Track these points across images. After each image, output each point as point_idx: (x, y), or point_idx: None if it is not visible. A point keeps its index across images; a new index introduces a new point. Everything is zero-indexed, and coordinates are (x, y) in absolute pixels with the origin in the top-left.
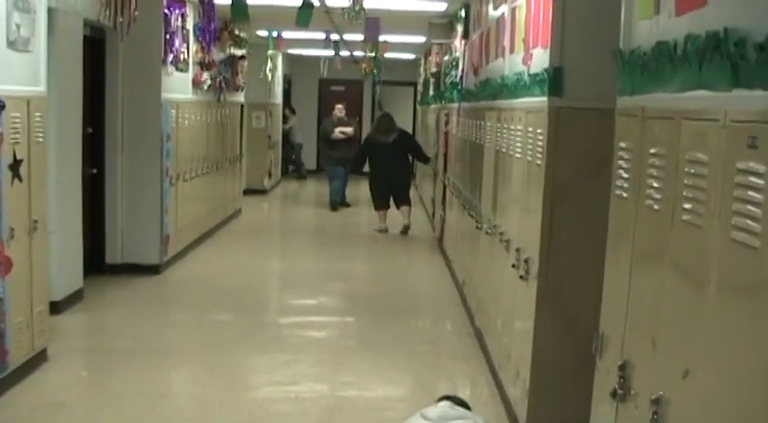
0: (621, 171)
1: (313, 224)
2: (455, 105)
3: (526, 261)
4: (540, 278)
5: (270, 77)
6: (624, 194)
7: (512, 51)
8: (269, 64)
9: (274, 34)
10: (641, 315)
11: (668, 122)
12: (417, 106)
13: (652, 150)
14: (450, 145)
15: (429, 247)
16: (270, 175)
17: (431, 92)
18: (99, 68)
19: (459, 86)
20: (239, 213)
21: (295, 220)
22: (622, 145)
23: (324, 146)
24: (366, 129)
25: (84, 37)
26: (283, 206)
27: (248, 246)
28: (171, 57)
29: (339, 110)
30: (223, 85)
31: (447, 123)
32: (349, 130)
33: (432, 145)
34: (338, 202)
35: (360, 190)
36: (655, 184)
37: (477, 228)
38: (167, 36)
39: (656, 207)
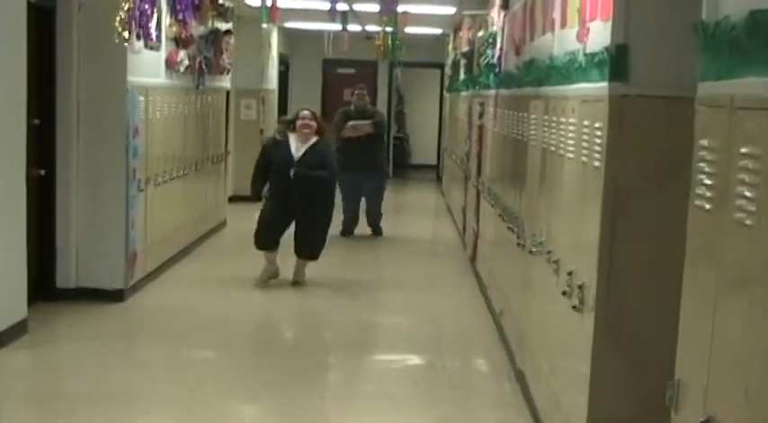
0: (703, 176)
1: None
2: (491, 93)
3: (580, 287)
4: (599, 309)
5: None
6: (706, 205)
7: (563, 25)
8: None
9: (268, 3)
10: (730, 358)
11: (765, 115)
12: (444, 93)
13: (743, 150)
14: (485, 142)
15: (458, 269)
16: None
17: (461, 76)
18: (47, 45)
19: (497, 69)
20: (224, 225)
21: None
22: (704, 143)
23: (336, 145)
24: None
25: (29, 4)
26: None
27: (235, 266)
28: (138, 31)
29: (359, 96)
30: (204, 66)
31: (481, 115)
32: (364, 124)
33: (462, 142)
34: (352, 226)
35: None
36: (747, 194)
37: (518, 245)
38: (134, 4)
39: (748, 222)
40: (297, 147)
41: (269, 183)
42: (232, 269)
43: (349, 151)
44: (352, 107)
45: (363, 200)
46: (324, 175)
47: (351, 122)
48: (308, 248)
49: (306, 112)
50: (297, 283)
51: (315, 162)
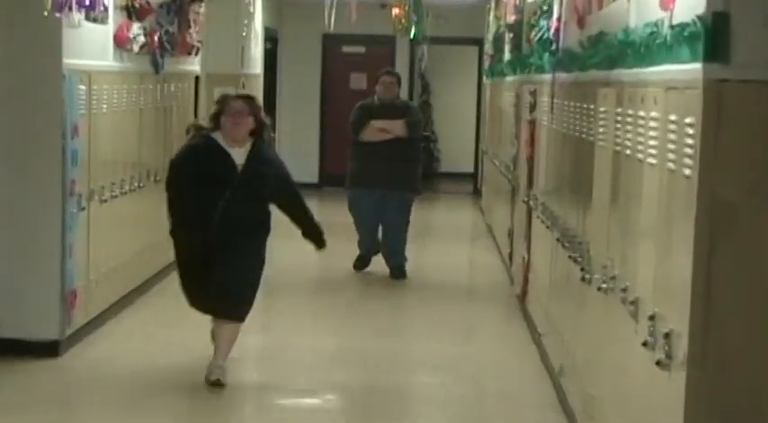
0: None
1: (315, 273)
2: (546, 77)
3: (667, 337)
4: (693, 365)
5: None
6: None
7: None
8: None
9: None
10: None
11: None
12: (484, 79)
13: None
14: (539, 143)
15: (503, 312)
16: None
17: (506, 55)
18: None
19: (554, 46)
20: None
21: (284, 265)
22: None
23: (352, 150)
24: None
25: None
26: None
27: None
28: None
29: (387, 84)
30: (165, 45)
31: (533, 107)
32: (395, 125)
33: (507, 143)
34: (369, 255)
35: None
36: None
37: (583, 280)
38: None
39: None
40: (235, 153)
41: (193, 208)
42: (202, 315)
43: (369, 161)
44: (375, 99)
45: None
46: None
47: (375, 122)
48: (235, 300)
49: (239, 103)
50: (216, 383)
51: (265, 176)
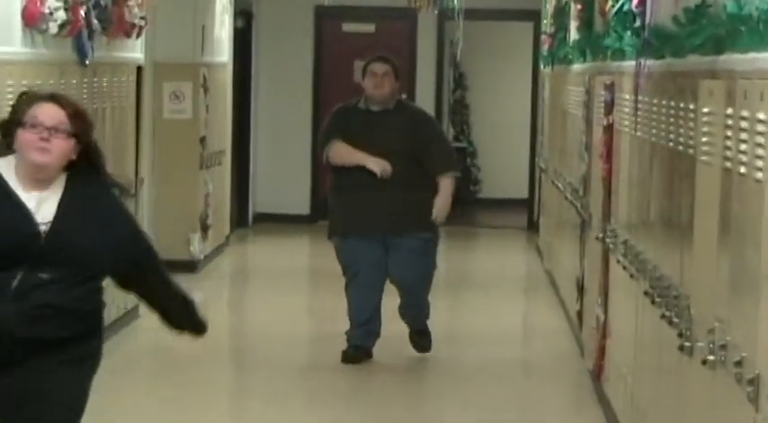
0: None
1: (305, 342)
2: (628, 65)
3: None
4: None
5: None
6: None
7: None
8: None
9: None
10: None
11: None
12: (541, 67)
13: None
14: (618, 157)
15: (571, 394)
16: (205, 229)
17: (571, 35)
18: None
19: (638, 22)
20: (136, 315)
21: (262, 329)
22: None
23: (330, 181)
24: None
25: None
26: (239, 302)
27: (156, 393)
28: None
29: (376, 78)
30: (95, 23)
31: (609, 108)
32: (377, 165)
33: (575, 157)
34: (367, 342)
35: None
36: None
37: (682, 348)
38: None
39: None
40: (31, 199)
41: None
42: (150, 399)
43: (356, 196)
44: (362, 103)
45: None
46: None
47: (352, 153)
48: None
49: (51, 110)
50: None
51: (92, 242)
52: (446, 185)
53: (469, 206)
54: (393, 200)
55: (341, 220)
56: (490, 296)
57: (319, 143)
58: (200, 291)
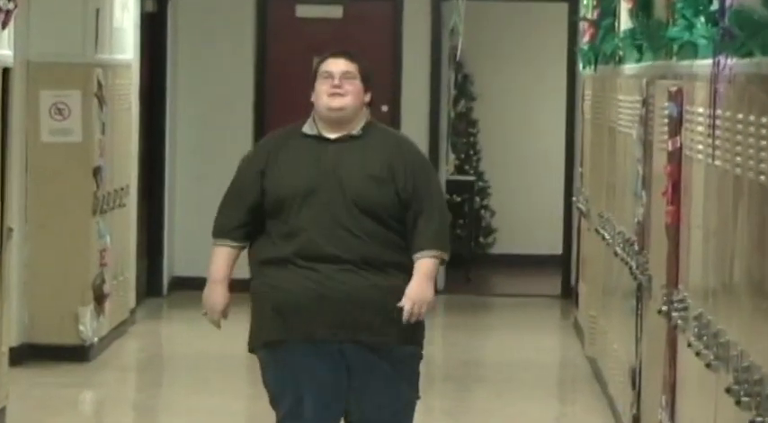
0: None
1: None
2: (702, 66)
3: None
4: None
5: None
6: None
7: None
8: None
9: None
10: None
11: None
12: (579, 67)
13: None
14: (688, 195)
15: None
16: (100, 300)
17: (621, 24)
18: None
19: (716, 6)
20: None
21: None
22: None
23: (252, 249)
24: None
25: None
26: (148, 405)
27: None
28: None
29: (333, 87)
30: None
31: (676, 125)
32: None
33: (626, 196)
34: None
35: None
36: None
37: None
38: None
39: None
40: None
41: None
42: None
43: (293, 276)
44: (308, 125)
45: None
46: None
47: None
48: None
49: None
50: None
51: None
52: (426, 267)
53: (479, 266)
54: (356, 286)
55: (268, 317)
56: (508, 396)
57: (221, 203)
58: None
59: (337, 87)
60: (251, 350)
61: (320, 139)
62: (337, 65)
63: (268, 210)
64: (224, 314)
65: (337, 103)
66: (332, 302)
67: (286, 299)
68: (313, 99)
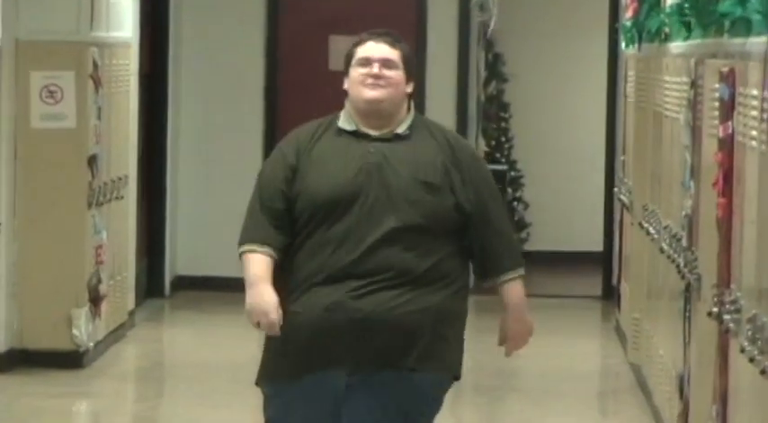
0: None
1: None
2: (756, 43)
3: None
4: None
5: None
6: None
7: None
8: None
9: None
10: None
11: None
12: (621, 46)
13: None
14: (742, 184)
15: None
16: (96, 301)
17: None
18: None
19: None
20: None
21: None
22: None
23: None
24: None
25: None
26: (148, 417)
27: None
28: None
29: (372, 76)
30: None
31: (728, 110)
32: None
33: (674, 186)
34: None
35: None
36: None
37: None
38: None
39: None
40: None
41: None
42: None
43: (320, 296)
44: (342, 119)
45: None
46: None
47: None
48: None
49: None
50: None
51: None
52: (519, 295)
53: None
54: (407, 309)
55: (302, 346)
56: (544, 408)
57: (248, 209)
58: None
59: (377, 77)
60: (257, 382)
61: (361, 135)
62: (378, 51)
63: (302, 218)
64: (280, 316)
65: (376, 94)
66: (378, 329)
67: (325, 320)
68: (347, 87)
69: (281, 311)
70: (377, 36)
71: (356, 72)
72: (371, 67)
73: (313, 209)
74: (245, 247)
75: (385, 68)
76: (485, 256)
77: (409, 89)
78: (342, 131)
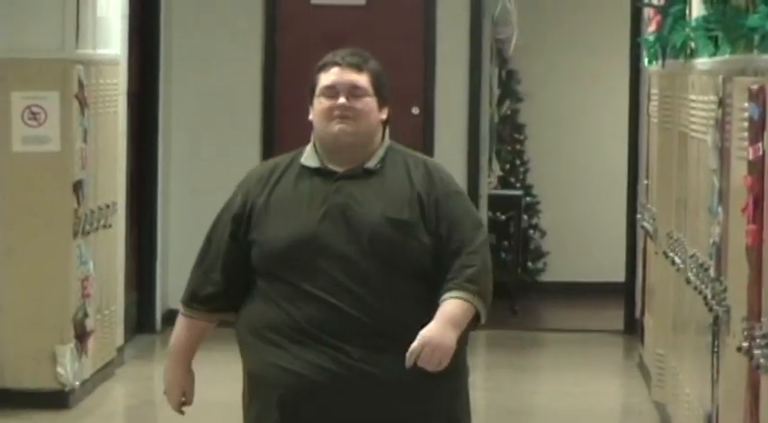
0: None
1: None
2: None
3: None
4: None
5: None
6: None
7: None
8: None
9: None
10: None
11: None
12: (644, 61)
13: None
14: None
15: None
16: (82, 337)
17: (693, 11)
18: None
19: None
20: None
21: None
22: None
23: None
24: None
25: None
26: None
27: None
28: None
29: (337, 106)
30: None
31: (759, 130)
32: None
33: (701, 210)
34: None
35: None
36: None
37: None
38: None
39: None
40: None
41: None
42: None
43: (293, 360)
44: (307, 155)
45: None
46: None
47: None
48: None
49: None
50: None
51: None
52: (451, 309)
53: (527, 296)
54: (388, 366)
55: (273, 410)
56: None
57: (197, 259)
58: None
59: (345, 108)
60: None
61: (326, 172)
62: (343, 77)
63: (260, 267)
64: (187, 400)
65: (345, 129)
66: (358, 390)
67: (298, 385)
68: (312, 118)
69: (190, 396)
70: (340, 61)
71: (320, 103)
72: (337, 97)
73: (271, 257)
74: (184, 310)
75: (353, 97)
76: (443, 280)
77: (383, 116)
78: (304, 169)
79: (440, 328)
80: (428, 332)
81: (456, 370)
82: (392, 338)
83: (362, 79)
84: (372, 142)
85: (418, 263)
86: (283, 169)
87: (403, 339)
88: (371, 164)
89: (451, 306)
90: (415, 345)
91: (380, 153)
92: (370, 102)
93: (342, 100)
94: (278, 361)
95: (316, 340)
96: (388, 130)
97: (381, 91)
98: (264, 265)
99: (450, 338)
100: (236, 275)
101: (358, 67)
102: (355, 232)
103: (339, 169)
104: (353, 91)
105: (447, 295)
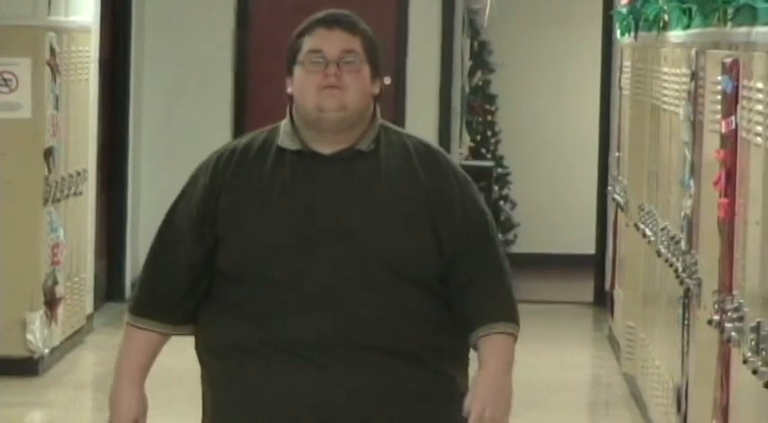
0: None
1: None
2: (760, 33)
3: None
4: None
5: None
6: None
7: None
8: None
9: None
10: None
11: None
12: (616, 34)
13: None
14: (745, 183)
15: None
16: (51, 304)
17: None
18: None
19: None
20: None
21: None
22: None
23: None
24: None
25: None
26: None
27: None
28: None
29: (325, 74)
30: None
31: (731, 103)
32: None
33: (672, 185)
34: None
35: None
36: None
37: None
38: None
39: None
40: None
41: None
42: None
43: (270, 372)
44: (285, 134)
45: None
46: None
47: None
48: None
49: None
50: None
51: None
52: (503, 350)
53: None
54: (383, 391)
55: None
56: (532, 421)
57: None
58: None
59: (334, 78)
60: None
61: (308, 155)
62: (332, 41)
63: (228, 270)
64: None
65: (334, 101)
66: (347, 417)
67: (275, 414)
68: (291, 91)
69: None
70: (330, 21)
71: (304, 72)
72: (324, 64)
73: (243, 261)
74: (134, 321)
75: (344, 65)
76: (468, 301)
77: (376, 90)
78: (282, 152)
79: (497, 380)
80: (484, 390)
81: (461, 395)
82: (385, 355)
83: (355, 43)
84: (363, 120)
85: (427, 268)
86: (257, 151)
87: (399, 358)
88: (364, 145)
89: (501, 346)
90: (474, 411)
91: (374, 133)
92: (364, 70)
93: (331, 68)
94: (249, 382)
95: (300, 357)
96: (379, 108)
97: (374, 58)
98: (234, 269)
99: (510, 388)
100: (198, 279)
101: (350, 29)
102: (352, 232)
103: (325, 152)
104: (344, 56)
105: (486, 329)
